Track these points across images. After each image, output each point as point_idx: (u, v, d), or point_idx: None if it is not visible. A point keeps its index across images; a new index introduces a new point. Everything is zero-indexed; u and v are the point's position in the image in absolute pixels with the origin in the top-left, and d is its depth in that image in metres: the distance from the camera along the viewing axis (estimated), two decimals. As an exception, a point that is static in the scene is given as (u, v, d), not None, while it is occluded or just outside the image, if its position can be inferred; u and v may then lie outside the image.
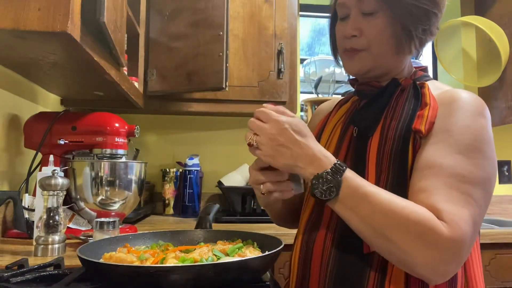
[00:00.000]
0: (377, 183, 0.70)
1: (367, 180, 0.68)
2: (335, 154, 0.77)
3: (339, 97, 0.96)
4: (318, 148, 0.66)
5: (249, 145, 0.69)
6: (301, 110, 2.22)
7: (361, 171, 0.71)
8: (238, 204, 1.71)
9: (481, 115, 0.70)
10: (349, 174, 0.64)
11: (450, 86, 0.79)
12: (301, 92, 2.40)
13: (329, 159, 0.65)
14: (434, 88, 0.77)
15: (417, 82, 0.77)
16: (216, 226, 1.33)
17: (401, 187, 0.68)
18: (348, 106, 0.87)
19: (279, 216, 0.95)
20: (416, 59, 2.59)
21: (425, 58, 2.69)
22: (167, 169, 1.91)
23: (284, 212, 0.93)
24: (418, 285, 0.67)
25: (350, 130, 0.81)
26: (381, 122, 0.75)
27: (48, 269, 0.72)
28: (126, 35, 1.24)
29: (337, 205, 0.65)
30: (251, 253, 0.68)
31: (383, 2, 0.73)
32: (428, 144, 0.68)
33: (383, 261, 0.68)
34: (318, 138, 0.87)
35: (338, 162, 0.65)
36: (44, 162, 1.22)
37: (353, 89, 0.88)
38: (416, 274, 0.62)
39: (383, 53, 0.76)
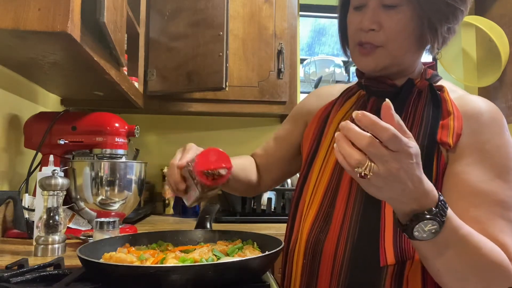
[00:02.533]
0: None
1: None
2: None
3: (343, 85, 0.88)
4: (427, 182, 0.53)
5: (364, 176, 0.49)
6: (301, 110, 2.22)
7: None
8: (238, 204, 1.71)
9: (506, 128, 0.68)
10: (451, 213, 0.55)
11: (458, 87, 0.76)
12: (301, 92, 2.40)
13: (434, 194, 0.53)
14: (451, 91, 0.72)
15: (434, 85, 0.73)
16: (216, 226, 1.33)
17: None
18: (353, 102, 0.81)
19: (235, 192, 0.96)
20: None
21: (425, 58, 2.69)
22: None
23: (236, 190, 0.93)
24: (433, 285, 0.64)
25: None
26: None
27: (48, 269, 0.72)
28: (126, 35, 1.24)
29: (426, 245, 0.56)
30: (251, 253, 0.68)
31: (404, 5, 0.67)
32: (464, 165, 0.64)
33: (399, 274, 0.64)
34: (320, 132, 0.82)
35: (442, 199, 0.54)
36: (44, 162, 1.22)
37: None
38: None
39: (401, 51, 0.71)
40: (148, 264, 0.61)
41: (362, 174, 0.49)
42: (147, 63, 1.60)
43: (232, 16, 1.73)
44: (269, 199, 1.66)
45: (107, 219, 0.91)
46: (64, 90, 1.49)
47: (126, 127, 1.30)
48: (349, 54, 0.79)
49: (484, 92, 2.32)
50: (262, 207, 1.68)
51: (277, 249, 0.65)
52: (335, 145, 0.51)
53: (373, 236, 0.66)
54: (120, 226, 0.96)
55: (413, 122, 0.70)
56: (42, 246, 0.94)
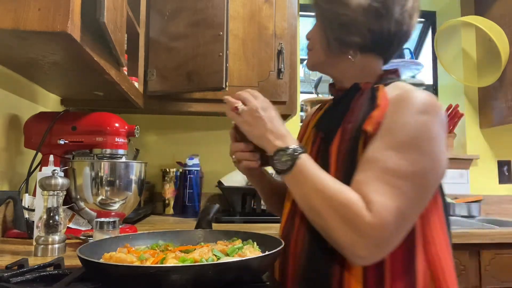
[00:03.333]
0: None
1: None
2: None
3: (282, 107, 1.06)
4: (288, 131, 0.78)
5: (235, 108, 0.80)
6: (301, 110, 2.22)
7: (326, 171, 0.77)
8: (238, 204, 1.71)
9: (425, 112, 0.72)
10: (305, 156, 0.74)
11: (411, 86, 0.80)
12: (301, 92, 2.40)
13: (294, 141, 0.76)
14: (395, 89, 0.79)
15: (374, 86, 0.81)
16: (216, 226, 1.33)
17: (349, 183, 0.72)
18: (325, 108, 0.95)
19: (268, 201, 1.04)
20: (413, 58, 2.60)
21: (425, 58, 2.69)
22: (167, 169, 1.91)
23: (271, 196, 1.01)
24: (374, 278, 0.71)
25: (320, 134, 0.87)
26: (341, 126, 0.80)
27: (48, 269, 0.72)
28: (126, 35, 1.24)
29: (289, 179, 0.74)
30: (251, 253, 0.68)
31: (315, 10, 0.88)
32: (372, 141, 0.73)
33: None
34: (300, 141, 0.94)
35: (300, 145, 0.75)
36: (44, 162, 1.22)
37: None
38: (342, 253, 0.70)
39: (317, 52, 0.88)
40: (148, 264, 0.61)
41: (236, 106, 0.80)
42: (147, 63, 1.60)
43: (232, 16, 1.73)
44: None
45: (107, 219, 0.91)
46: (64, 90, 1.49)
47: (126, 127, 1.30)
48: None
49: (484, 92, 2.33)
50: (262, 207, 1.68)
51: (277, 249, 0.65)
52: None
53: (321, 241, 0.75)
54: (120, 226, 0.96)
55: (351, 119, 0.79)
56: (42, 246, 0.94)
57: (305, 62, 2.38)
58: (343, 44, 0.82)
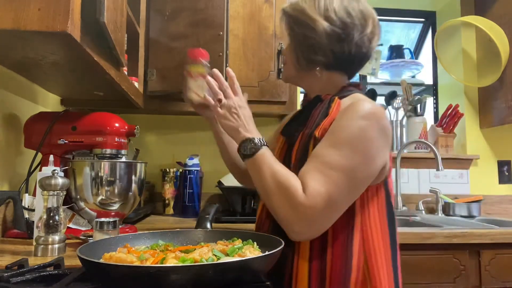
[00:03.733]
0: None
1: None
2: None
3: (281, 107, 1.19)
4: (257, 131, 0.92)
5: (219, 101, 0.94)
6: (301, 110, 2.22)
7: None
8: (238, 204, 1.71)
9: (365, 118, 0.84)
10: (266, 148, 0.88)
11: (365, 97, 0.94)
12: (301, 92, 2.40)
13: (259, 134, 0.91)
14: (351, 99, 0.93)
15: (332, 97, 0.94)
16: (216, 226, 1.33)
17: None
18: (291, 118, 1.08)
19: (240, 176, 1.25)
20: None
21: (425, 58, 2.69)
22: (167, 169, 1.91)
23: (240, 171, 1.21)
24: (319, 253, 0.86)
25: (285, 139, 1.00)
26: (301, 132, 0.93)
27: (48, 269, 0.72)
28: (126, 35, 1.24)
29: (250, 164, 0.88)
30: (251, 253, 0.68)
31: (286, 28, 1.00)
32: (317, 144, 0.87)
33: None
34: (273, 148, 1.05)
35: (263, 139, 0.90)
36: (44, 162, 1.22)
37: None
38: (283, 228, 0.83)
39: (289, 67, 1.01)
40: (148, 264, 0.61)
41: (219, 99, 0.94)
42: (147, 63, 1.60)
43: (232, 16, 1.73)
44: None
45: (107, 219, 0.91)
46: (64, 90, 1.49)
47: (126, 127, 1.30)
48: None
49: (484, 92, 2.33)
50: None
51: (277, 249, 0.65)
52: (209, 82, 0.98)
53: None
54: (120, 226, 0.96)
55: (308, 125, 0.93)
56: (42, 246, 0.94)
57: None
58: (310, 62, 0.96)
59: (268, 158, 0.86)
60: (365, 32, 0.94)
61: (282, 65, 1.10)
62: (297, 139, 0.93)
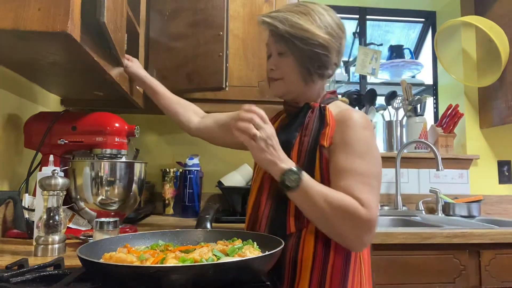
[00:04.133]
0: None
1: None
2: None
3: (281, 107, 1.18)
4: (283, 154, 0.92)
5: (254, 136, 0.87)
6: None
7: None
8: (238, 204, 1.71)
9: (366, 128, 0.96)
10: (305, 173, 0.89)
11: (347, 106, 1.05)
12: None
13: (291, 161, 0.91)
14: (335, 107, 1.02)
15: (322, 105, 1.02)
16: (216, 226, 1.33)
17: None
18: (278, 122, 1.12)
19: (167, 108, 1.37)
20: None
21: (425, 58, 2.69)
22: (167, 169, 1.91)
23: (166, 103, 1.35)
24: (323, 247, 0.93)
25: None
26: (298, 138, 0.99)
27: (48, 269, 0.72)
28: (126, 35, 1.24)
29: (297, 194, 0.88)
30: (251, 253, 0.68)
31: (289, 47, 0.99)
32: (336, 155, 0.94)
33: (297, 238, 0.94)
34: None
35: (296, 166, 0.89)
36: (44, 162, 1.22)
37: (349, 91, 1.08)
38: (347, 246, 0.91)
39: (293, 83, 1.02)
40: (148, 264, 0.61)
41: (254, 134, 0.86)
42: (147, 63, 1.60)
43: (232, 16, 1.73)
44: None
45: (107, 219, 0.91)
46: (64, 90, 1.49)
47: (126, 127, 1.30)
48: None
49: (484, 92, 2.33)
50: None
51: (277, 249, 0.65)
52: (236, 124, 0.89)
53: (282, 213, 0.97)
54: (120, 226, 0.96)
55: (306, 132, 0.99)
56: (42, 246, 0.94)
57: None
58: (321, 77, 1.03)
59: (312, 185, 0.88)
60: (344, 42, 1.05)
61: (270, 81, 1.07)
62: (294, 145, 0.99)
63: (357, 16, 2.56)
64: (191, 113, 1.36)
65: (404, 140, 2.32)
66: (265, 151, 0.88)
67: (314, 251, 0.93)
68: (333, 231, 0.89)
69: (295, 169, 0.87)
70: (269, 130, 0.89)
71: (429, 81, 2.65)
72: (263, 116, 0.89)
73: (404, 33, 2.79)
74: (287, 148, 0.97)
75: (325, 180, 0.94)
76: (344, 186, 0.89)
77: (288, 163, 0.89)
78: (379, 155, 0.97)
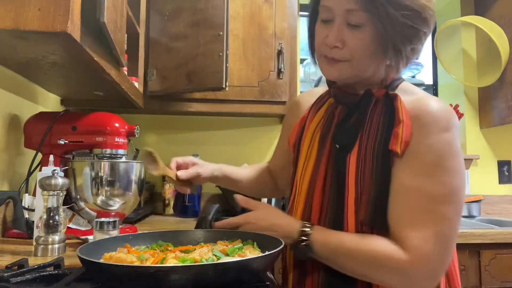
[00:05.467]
0: (358, 202, 0.74)
1: (347, 198, 0.75)
2: (315, 168, 0.82)
3: (319, 89, 0.95)
4: (286, 221, 0.78)
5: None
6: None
7: (341, 188, 0.76)
8: (238, 204, 1.71)
9: (446, 129, 0.71)
10: (316, 233, 0.73)
11: (421, 90, 0.80)
12: (301, 92, 2.40)
13: (294, 227, 0.75)
14: (404, 93, 0.77)
15: (390, 93, 0.77)
16: (216, 226, 1.33)
17: (382, 208, 0.73)
18: (325, 109, 0.87)
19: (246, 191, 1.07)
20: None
21: (425, 58, 2.69)
22: (167, 169, 1.91)
23: (243, 188, 1.06)
24: None
25: (328, 142, 0.82)
26: (358, 138, 0.77)
27: (48, 269, 0.72)
28: (126, 35, 1.24)
29: (317, 258, 0.74)
30: (251, 253, 0.68)
31: (374, 17, 0.70)
32: (399, 166, 0.72)
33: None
34: (298, 142, 0.89)
35: (302, 228, 0.74)
36: (44, 162, 1.22)
37: None
38: None
39: (364, 66, 0.76)
40: (148, 264, 0.61)
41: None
42: (147, 63, 1.60)
43: (232, 16, 1.73)
44: (269, 200, 1.66)
45: (107, 219, 0.90)
46: (64, 90, 1.49)
47: (126, 127, 1.30)
48: (316, 61, 0.83)
49: (484, 92, 2.32)
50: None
51: (277, 249, 0.65)
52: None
53: (338, 221, 0.77)
54: (120, 226, 0.96)
55: (370, 132, 0.76)
56: (42, 246, 0.94)
57: (305, 61, 2.38)
58: (413, 54, 0.75)
59: (331, 244, 0.72)
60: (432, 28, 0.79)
61: (326, 61, 0.77)
62: (354, 146, 0.77)
63: (357, 16, 2.56)
64: (269, 179, 1.09)
65: (404, 140, 2.32)
66: (269, 232, 0.75)
67: None
68: (381, 283, 0.73)
69: (295, 236, 0.74)
70: (255, 216, 0.79)
71: (429, 81, 2.64)
72: (250, 204, 0.82)
73: (404, 33, 2.79)
74: (343, 149, 0.78)
75: None
76: (394, 215, 0.71)
77: (292, 234, 0.75)
78: (463, 167, 0.72)
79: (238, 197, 0.84)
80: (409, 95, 0.77)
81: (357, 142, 0.76)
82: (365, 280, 0.73)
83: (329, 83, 0.84)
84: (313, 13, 0.80)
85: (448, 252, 0.70)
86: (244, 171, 1.05)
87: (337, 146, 0.79)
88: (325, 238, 0.73)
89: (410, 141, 0.71)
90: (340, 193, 0.76)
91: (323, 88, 0.94)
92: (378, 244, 0.70)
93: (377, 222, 0.73)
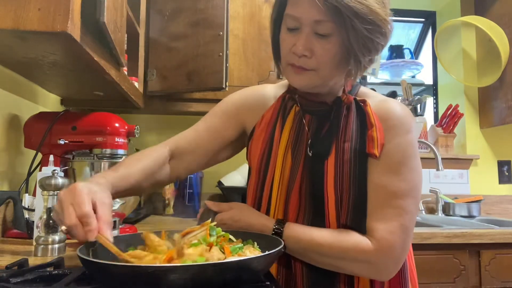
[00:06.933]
0: (339, 203, 0.79)
1: (327, 201, 0.79)
2: (292, 176, 0.83)
3: (271, 86, 0.94)
4: (259, 221, 0.82)
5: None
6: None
7: (320, 192, 0.80)
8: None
9: (409, 131, 0.79)
10: (288, 231, 0.79)
11: (377, 93, 0.87)
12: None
13: (268, 226, 0.80)
14: (366, 97, 0.83)
15: (358, 99, 0.82)
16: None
17: (362, 206, 0.79)
18: (292, 120, 0.87)
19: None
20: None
21: (425, 58, 2.69)
22: (167, 169, 1.91)
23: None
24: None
25: (303, 149, 0.83)
26: (334, 145, 0.80)
27: (48, 269, 0.72)
28: (126, 35, 1.24)
29: (291, 254, 0.80)
30: (251, 253, 0.68)
31: (341, 28, 0.72)
32: (371, 166, 0.79)
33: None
34: (268, 149, 0.87)
35: (275, 226, 0.80)
36: (44, 162, 1.22)
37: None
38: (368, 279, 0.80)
39: (330, 76, 0.78)
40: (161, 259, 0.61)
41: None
42: (147, 63, 1.60)
43: (232, 16, 1.73)
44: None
45: (107, 219, 0.90)
46: (64, 90, 1.49)
47: (126, 127, 1.30)
48: (281, 69, 0.84)
49: (484, 92, 2.33)
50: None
51: (277, 249, 0.65)
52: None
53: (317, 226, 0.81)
54: (120, 226, 0.96)
55: (345, 137, 0.80)
56: (42, 246, 0.94)
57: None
58: (369, 64, 0.79)
59: (302, 242, 0.77)
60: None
61: (294, 70, 0.78)
62: (330, 151, 0.80)
63: (357, 16, 2.56)
64: (158, 167, 0.90)
65: (404, 140, 2.32)
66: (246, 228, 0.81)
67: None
68: (351, 273, 0.79)
69: (268, 229, 0.80)
70: (231, 214, 0.83)
71: (429, 81, 2.64)
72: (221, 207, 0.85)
73: (404, 33, 2.79)
74: (320, 161, 0.80)
75: None
76: (370, 211, 0.78)
77: (267, 230, 0.80)
78: (420, 164, 0.81)
79: (209, 204, 0.86)
80: (370, 99, 0.83)
81: (333, 148, 0.80)
82: (338, 271, 0.79)
83: (292, 90, 0.87)
84: (277, 20, 0.82)
85: (409, 240, 0.78)
86: (135, 171, 0.85)
87: (313, 153, 0.82)
88: (296, 235, 0.78)
89: (386, 143, 0.78)
90: (317, 199, 0.80)
91: (274, 87, 0.95)
92: (347, 238, 0.76)
93: (360, 223, 0.78)
